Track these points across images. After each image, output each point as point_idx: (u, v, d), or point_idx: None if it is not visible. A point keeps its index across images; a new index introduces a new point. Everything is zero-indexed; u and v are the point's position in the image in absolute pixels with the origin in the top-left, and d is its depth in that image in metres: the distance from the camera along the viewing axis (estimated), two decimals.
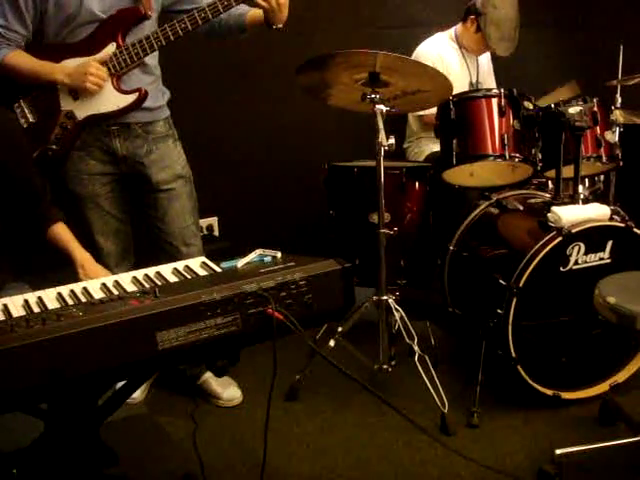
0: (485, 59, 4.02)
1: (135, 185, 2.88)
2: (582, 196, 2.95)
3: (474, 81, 3.91)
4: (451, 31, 3.91)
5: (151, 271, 1.97)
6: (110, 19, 2.62)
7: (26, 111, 2.68)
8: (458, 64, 3.85)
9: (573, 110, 2.81)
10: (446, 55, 3.83)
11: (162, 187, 2.84)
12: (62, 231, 2.34)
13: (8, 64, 2.61)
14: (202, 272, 1.95)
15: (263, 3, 2.64)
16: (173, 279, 1.91)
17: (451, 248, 3.22)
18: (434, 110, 3.25)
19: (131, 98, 2.69)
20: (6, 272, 2.25)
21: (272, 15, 2.69)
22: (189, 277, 1.92)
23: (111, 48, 2.63)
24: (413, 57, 3.73)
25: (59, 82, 2.63)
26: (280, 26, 2.74)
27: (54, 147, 2.68)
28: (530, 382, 2.78)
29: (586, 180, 3.45)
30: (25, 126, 2.67)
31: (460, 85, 3.66)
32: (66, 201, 2.75)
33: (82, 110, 2.68)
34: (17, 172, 2.28)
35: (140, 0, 2.63)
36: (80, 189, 2.80)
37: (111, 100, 2.67)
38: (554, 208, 2.74)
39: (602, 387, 2.89)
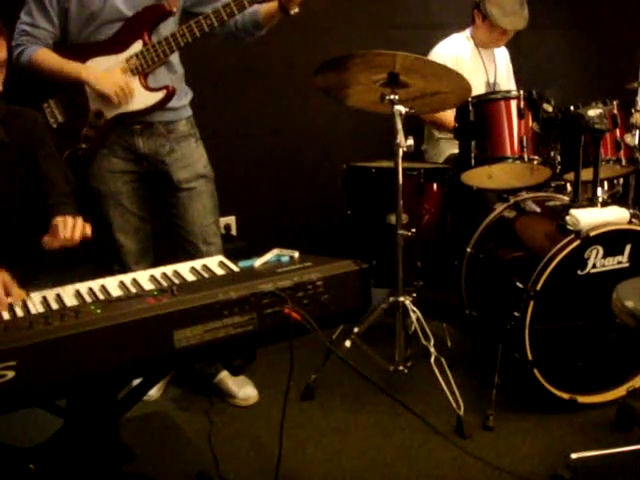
0: (503, 60, 4.00)
1: (156, 183, 2.90)
2: (601, 199, 2.94)
3: (491, 81, 3.89)
4: (467, 31, 3.90)
5: (169, 269, 1.98)
6: (135, 17, 2.63)
7: (55, 111, 2.70)
8: (474, 64, 3.83)
9: (593, 112, 2.79)
10: (462, 55, 3.81)
11: (183, 186, 2.86)
12: (59, 219, 2.17)
13: (35, 62, 2.63)
14: (220, 271, 1.95)
15: None
16: (191, 278, 1.91)
17: (468, 250, 3.21)
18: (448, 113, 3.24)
19: (159, 95, 2.70)
20: (30, 267, 2.26)
21: (289, 2, 2.65)
22: (207, 276, 1.93)
23: (138, 46, 2.65)
24: (428, 58, 3.72)
25: (85, 81, 2.64)
26: (297, 10, 2.69)
27: (84, 146, 2.69)
28: (546, 385, 2.77)
29: (605, 183, 3.43)
30: (55, 126, 2.68)
31: (476, 85, 3.65)
32: (88, 198, 2.77)
33: (111, 109, 2.69)
34: (39, 165, 2.30)
35: None
36: (102, 187, 2.81)
37: (139, 98, 2.69)
38: (572, 211, 2.73)
39: (619, 392, 2.87)
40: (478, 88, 3.66)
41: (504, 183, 3.31)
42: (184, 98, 2.88)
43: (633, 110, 3.16)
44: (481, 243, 3.21)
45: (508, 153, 3.02)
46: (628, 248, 2.74)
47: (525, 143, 2.99)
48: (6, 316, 1.72)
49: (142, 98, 2.69)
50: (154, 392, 3.06)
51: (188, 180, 2.86)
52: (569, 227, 2.72)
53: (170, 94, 2.71)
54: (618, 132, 3.06)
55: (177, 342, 1.61)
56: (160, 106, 2.72)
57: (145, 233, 2.96)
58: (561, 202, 3.16)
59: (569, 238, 2.68)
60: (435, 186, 3.21)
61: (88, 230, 2.09)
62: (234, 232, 4.03)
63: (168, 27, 2.71)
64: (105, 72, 2.63)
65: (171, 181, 2.85)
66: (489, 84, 3.88)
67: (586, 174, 2.91)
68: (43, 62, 2.64)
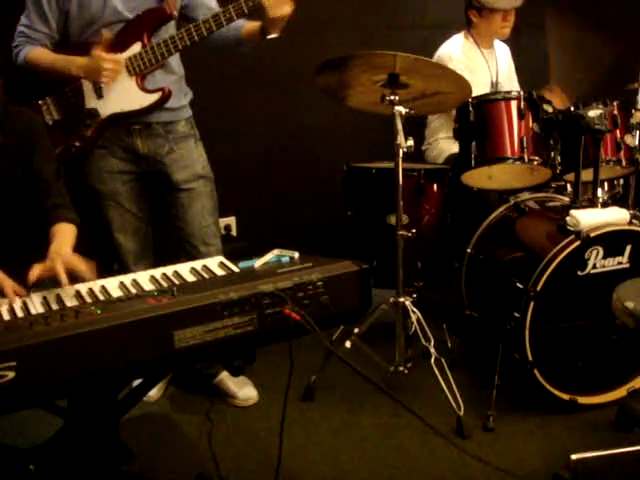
0: (505, 58, 3.98)
1: (156, 184, 2.90)
2: (601, 200, 2.93)
3: (494, 80, 3.88)
4: (466, 32, 3.87)
5: (169, 270, 1.99)
6: (137, 19, 2.64)
7: (52, 108, 2.71)
8: (479, 63, 3.82)
9: (593, 113, 2.80)
10: (467, 55, 3.79)
11: (182, 186, 2.86)
12: (59, 229, 2.21)
13: (30, 61, 2.66)
14: (220, 272, 1.96)
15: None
16: (191, 278, 1.92)
17: (469, 251, 3.21)
18: None
19: (154, 97, 2.70)
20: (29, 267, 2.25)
21: (270, 25, 2.68)
22: (207, 276, 1.93)
23: (136, 48, 2.65)
24: (435, 60, 3.69)
25: (75, 75, 2.64)
26: (275, 35, 2.74)
27: (77, 144, 2.70)
28: (547, 386, 2.77)
29: (605, 184, 3.43)
30: (50, 123, 2.70)
31: (482, 84, 3.64)
32: (87, 198, 2.78)
33: (106, 108, 2.69)
34: (34, 165, 2.30)
35: (165, 0, 2.64)
36: (101, 186, 2.81)
37: (135, 99, 2.69)
38: (573, 212, 2.73)
39: (619, 392, 2.87)
40: (484, 88, 3.64)
41: (504, 184, 3.31)
42: (184, 99, 2.88)
43: (633, 110, 3.16)
44: (481, 244, 3.21)
45: (508, 154, 3.03)
46: (628, 249, 2.74)
47: (525, 144, 2.99)
48: (6, 316, 1.73)
49: (137, 99, 2.70)
50: (154, 392, 3.06)
51: (187, 181, 2.86)
52: (569, 228, 2.71)
53: (166, 96, 2.71)
54: (618, 133, 3.06)
55: (177, 342, 1.61)
56: (155, 107, 2.72)
57: (144, 233, 2.96)
58: (561, 203, 3.16)
59: (569, 239, 2.68)
60: (435, 187, 3.22)
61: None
62: (234, 233, 4.03)
63: (168, 30, 2.72)
64: (88, 60, 2.60)
65: (170, 181, 2.85)
66: (493, 84, 3.87)
67: (586, 175, 2.91)
68: (37, 60, 2.66)
